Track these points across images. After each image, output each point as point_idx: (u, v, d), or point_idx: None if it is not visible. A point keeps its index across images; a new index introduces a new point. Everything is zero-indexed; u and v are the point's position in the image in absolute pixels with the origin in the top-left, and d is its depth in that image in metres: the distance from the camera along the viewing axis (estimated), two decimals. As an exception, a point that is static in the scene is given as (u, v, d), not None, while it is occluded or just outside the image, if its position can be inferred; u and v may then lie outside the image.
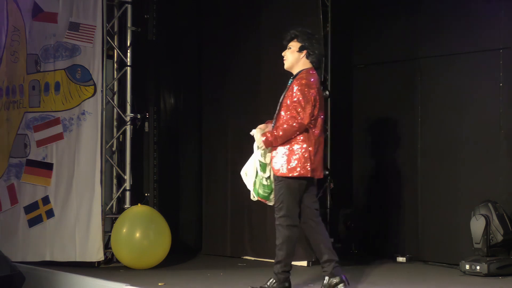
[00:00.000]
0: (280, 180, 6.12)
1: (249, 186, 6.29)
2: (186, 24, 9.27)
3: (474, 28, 7.81)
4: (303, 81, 6.14)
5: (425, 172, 8.22)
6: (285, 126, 6.08)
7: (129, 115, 8.27)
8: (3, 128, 8.59)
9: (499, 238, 7.20)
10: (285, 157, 6.09)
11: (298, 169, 6.07)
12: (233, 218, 8.69)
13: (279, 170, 6.11)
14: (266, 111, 8.21)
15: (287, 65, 6.35)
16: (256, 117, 8.17)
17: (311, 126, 6.14)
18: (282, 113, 6.18)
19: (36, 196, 8.20)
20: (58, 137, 8.12)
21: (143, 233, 7.71)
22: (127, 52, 8.31)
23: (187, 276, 6.89)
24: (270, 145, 6.14)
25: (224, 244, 8.76)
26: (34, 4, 8.32)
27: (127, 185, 8.22)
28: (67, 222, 7.98)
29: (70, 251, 7.94)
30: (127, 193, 8.24)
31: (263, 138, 6.13)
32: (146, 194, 8.89)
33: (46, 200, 8.13)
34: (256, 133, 6.25)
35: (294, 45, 6.31)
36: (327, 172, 8.86)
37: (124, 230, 7.74)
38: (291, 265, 6.28)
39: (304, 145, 6.09)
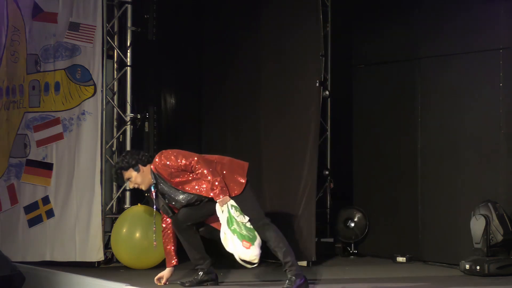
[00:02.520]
0: (236, 200, 6.28)
1: (236, 243, 6.25)
2: (186, 24, 9.26)
3: (474, 28, 7.80)
4: (162, 162, 6.41)
5: (425, 172, 8.21)
6: (205, 171, 6.28)
7: (129, 115, 8.27)
8: (3, 128, 8.58)
9: (499, 238, 7.19)
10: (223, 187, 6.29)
11: (235, 187, 6.35)
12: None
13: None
14: (266, 111, 8.24)
15: (144, 187, 6.62)
16: (256, 116, 8.18)
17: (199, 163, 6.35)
18: (185, 187, 6.40)
19: (36, 196, 8.20)
20: (58, 137, 8.11)
21: (143, 233, 7.71)
22: (127, 52, 8.31)
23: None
24: (224, 191, 6.24)
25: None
26: (34, 4, 8.32)
27: (127, 185, 8.22)
28: (67, 222, 7.98)
29: (70, 251, 7.94)
30: (127, 193, 8.25)
31: (219, 198, 6.23)
32: (146, 194, 8.86)
33: (46, 200, 8.13)
34: (219, 207, 6.27)
35: (129, 173, 6.57)
36: (327, 172, 8.87)
37: (124, 230, 7.74)
38: None
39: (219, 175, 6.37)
